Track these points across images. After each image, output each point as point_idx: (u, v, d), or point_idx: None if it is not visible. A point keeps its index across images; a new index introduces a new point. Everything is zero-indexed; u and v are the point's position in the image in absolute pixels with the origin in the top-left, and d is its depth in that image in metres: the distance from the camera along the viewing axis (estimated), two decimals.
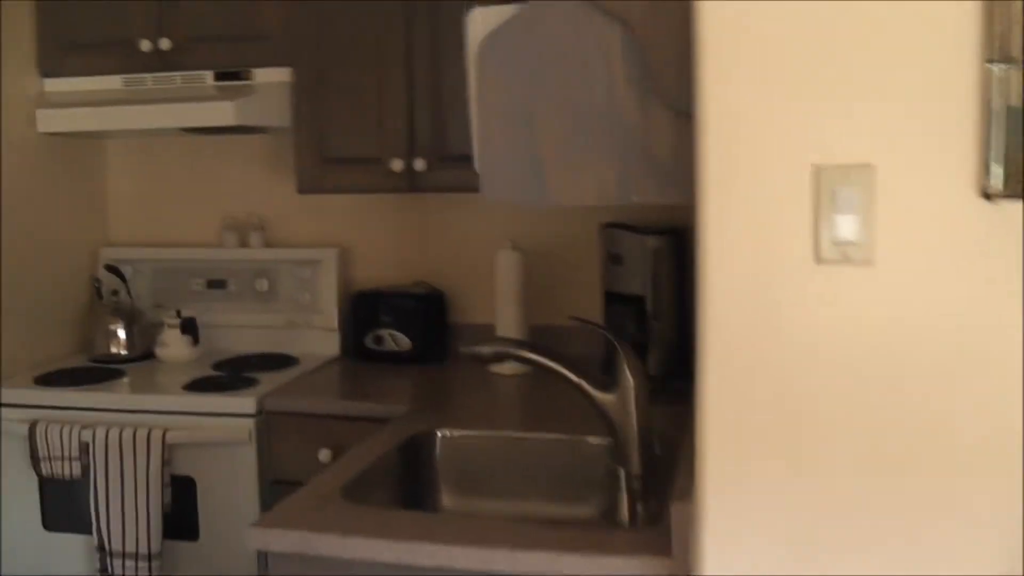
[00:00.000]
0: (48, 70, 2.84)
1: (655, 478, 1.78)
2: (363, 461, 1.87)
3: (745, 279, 1.24)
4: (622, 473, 1.78)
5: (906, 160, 1.18)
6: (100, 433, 2.43)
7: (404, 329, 2.83)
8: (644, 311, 2.49)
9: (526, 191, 1.58)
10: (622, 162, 1.52)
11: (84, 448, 2.45)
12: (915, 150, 1.18)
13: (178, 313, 2.89)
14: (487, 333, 2.62)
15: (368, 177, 2.64)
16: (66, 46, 2.81)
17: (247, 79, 2.72)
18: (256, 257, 3.02)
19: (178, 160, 3.15)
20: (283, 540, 1.55)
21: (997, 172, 1.14)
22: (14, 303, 2.76)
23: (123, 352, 2.90)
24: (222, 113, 2.59)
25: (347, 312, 2.93)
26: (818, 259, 1.21)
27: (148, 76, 2.77)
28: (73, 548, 2.54)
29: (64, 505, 2.55)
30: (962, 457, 1.19)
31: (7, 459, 2.57)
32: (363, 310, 2.89)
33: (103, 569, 2.45)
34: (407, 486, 2.00)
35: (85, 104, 2.75)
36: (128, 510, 2.43)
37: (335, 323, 2.95)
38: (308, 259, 2.98)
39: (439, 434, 2.09)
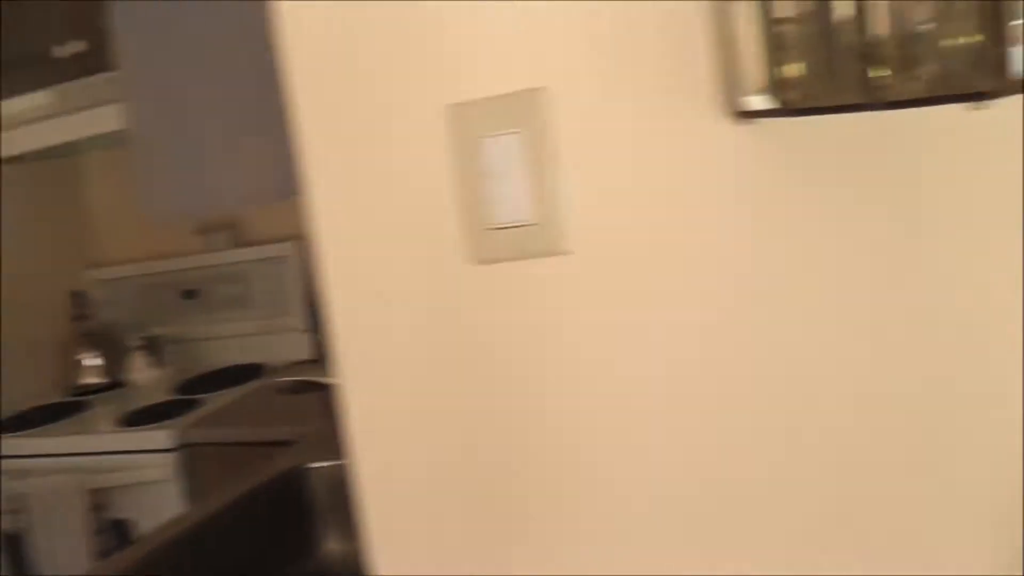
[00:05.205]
0: None
1: None
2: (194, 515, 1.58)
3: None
4: None
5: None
6: (32, 483, 2.28)
7: None
8: None
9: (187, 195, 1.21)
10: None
11: (22, 500, 2.32)
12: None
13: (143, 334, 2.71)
14: None
15: None
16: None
17: None
18: (221, 261, 2.78)
19: None
20: None
21: None
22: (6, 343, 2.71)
23: (99, 381, 2.76)
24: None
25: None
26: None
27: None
28: None
29: (24, 559, 2.44)
30: None
31: None
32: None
33: None
34: (283, 529, 1.70)
35: (18, 125, 2.57)
36: (65, 566, 2.27)
37: (301, 324, 2.66)
38: (273, 256, 2.70)
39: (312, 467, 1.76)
